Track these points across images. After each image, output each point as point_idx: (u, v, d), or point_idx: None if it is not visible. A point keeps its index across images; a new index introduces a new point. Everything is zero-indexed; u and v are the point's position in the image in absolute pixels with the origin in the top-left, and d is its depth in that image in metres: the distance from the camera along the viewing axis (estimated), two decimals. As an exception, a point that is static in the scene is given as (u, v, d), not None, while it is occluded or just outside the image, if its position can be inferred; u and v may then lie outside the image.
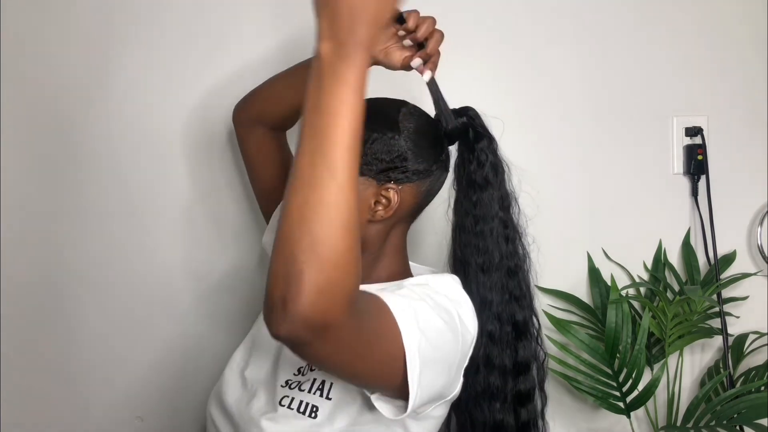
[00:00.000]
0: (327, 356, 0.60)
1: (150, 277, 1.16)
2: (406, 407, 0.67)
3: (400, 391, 0.67)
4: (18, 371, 1.13)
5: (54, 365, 1.14)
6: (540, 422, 0.89)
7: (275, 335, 0.56)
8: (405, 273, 0.85)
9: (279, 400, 0.78)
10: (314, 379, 0.78)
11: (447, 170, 0.85)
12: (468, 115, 0.85)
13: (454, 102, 1.21)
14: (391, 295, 0.69)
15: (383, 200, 0.79)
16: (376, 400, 0.69)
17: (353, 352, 0.61)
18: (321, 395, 0.77)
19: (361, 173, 0.77)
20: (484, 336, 0.83)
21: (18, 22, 1.10)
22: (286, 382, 0.80)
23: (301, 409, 0.76)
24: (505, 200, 0.86)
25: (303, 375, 0.80)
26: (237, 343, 0.95)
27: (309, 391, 0.77)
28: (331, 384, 0.77)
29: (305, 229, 0.55)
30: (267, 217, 1.04)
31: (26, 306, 1.13)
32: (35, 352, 1.13)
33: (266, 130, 0.99)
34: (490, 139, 0.85)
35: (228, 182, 1.17)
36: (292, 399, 0.77)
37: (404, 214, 0.82)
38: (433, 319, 0.70)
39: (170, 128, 1.15)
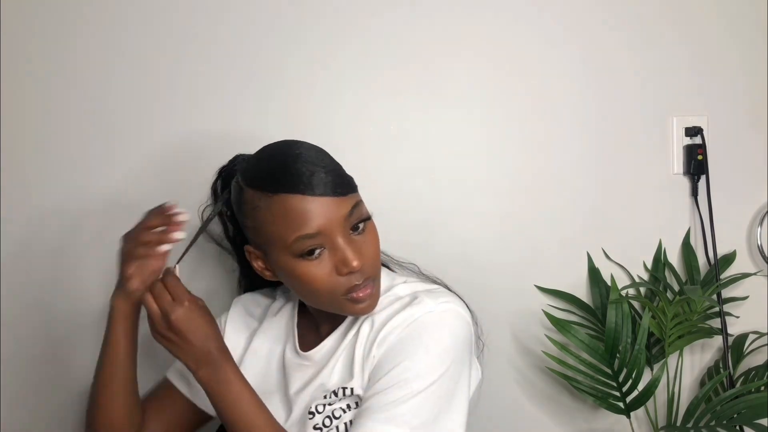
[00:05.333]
0: None
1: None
2: None
3: None
4: (18, 371, 1.13)
5: (54, 365, 1.14)
6: None
7: None
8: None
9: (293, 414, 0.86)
10: (344, 408, 0.83)
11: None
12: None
13: (454, 104, 1.22)
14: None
15: (258, 267, 0.88)
16: None
17: None
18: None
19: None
20: None
21: (18, 22, 1.10)
22: (296, 392, 0.87)
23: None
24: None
25: (330, 397, 0.84)
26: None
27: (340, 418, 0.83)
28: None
29: None
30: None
31: (26, 306, 1.13)
32: (35, 352, 1.13)
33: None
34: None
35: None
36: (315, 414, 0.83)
37: (278, 269, 0.86)
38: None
39: (175, 133, 1.15)
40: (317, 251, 0.78)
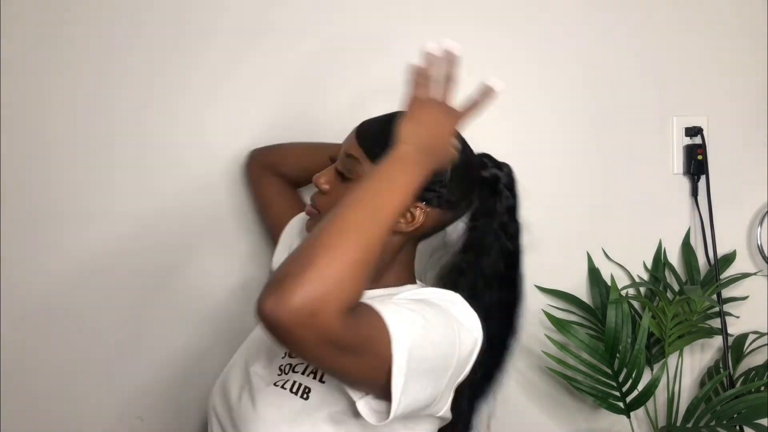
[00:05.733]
0: (307, 348, 0.60)
1: (151, 278, 1.15)
2: (388, 413, 0.66)
3: (383, 394, 0.66)
4: (18, 371, 1.13)
5: (54, 365, 1.14)
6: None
7: (259, 309, 0.58)
8: (410, 282, 0.88)
9: (274, 382, 0.79)
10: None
11: (469, 209, 0.89)
12: (505, 172, 0.90)
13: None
14: (384, 303, 0.69)
15: (408, 215, 0.82)
16: (361, 406, 0.68)
17: (336, 349, 0.61)
18: (314, 377, 0.78)
19: None
20: None
21: (18, 22, 1.09)
22: (281, 367, 0.81)
23: (294, 389, 0.77)
24: (510, 258, 0.89)
25: (295, 357, 0.80)
26: (239, 342, 0.95)
27: (302, 373, 0.78)
28: None
29: (331, 250, 0.61)
30: (275, 239, 1.08)
31: (26, 306, 1.12)
32: (35, 352, 1.13)
33: (277, 179, 1.10)
34: (512, 208, 0.89)
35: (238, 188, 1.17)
36: (286, 380, 0.79)
37: (420, 234, 0.85)
38: (429, 329, 0.70)
39: (179, 134, 1.15)
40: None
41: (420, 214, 0.82)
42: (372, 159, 0.81)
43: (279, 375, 0.81)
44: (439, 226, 0.87)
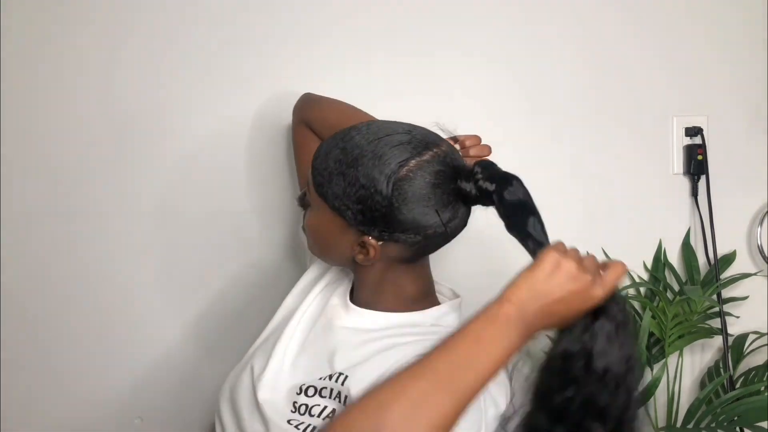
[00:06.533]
0: None
1: (151, 278, 1.16)
2: None
3: None
4: (18, 371, 1.13)
5: (54, 365, 1.14)
6: None
7: None
8: (415, 305, 0.80)
9: (288, 419, 0.76)
10: (325, 407, 0.75)
11: (460, 226, 0.76)
12: (500, 185, 0.71)
13: (454, 105, 1.21)
14: None
15: (361, 249, 0.75)
16: None
17: None
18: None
19: (340, 214, 0.73)
20: None
21: (18, 22, 1.09)
22: (296, 405, 0.77)
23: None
24: None
25: (310, 396, 0.77)
26: (240, 342, 0.95)
27: (318, 416, 0.74)
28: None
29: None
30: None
31: (26, 306, 1.12)
32: (35, 352, 1.13)
33: (311, 134, 1.00)
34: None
35: (242, 181, 1.17)
36: (301, 422, 0.75)
37: (395, 260, 0.76)
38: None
39: (183, 131, 1.15)
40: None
41: (371, 249, 0.73)
42: (314, 183, 0.75)
43: (293, 412, 0.76)
44: (417, 251, 0.75)
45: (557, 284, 0.61)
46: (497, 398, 0.72)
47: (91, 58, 1.12)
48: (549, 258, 0.63)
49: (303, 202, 0.81)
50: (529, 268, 0.62)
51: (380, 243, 0.73)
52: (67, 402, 1.14)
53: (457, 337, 0.59)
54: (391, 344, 0.76)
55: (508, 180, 0.71)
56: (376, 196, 0.70)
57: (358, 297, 0.83)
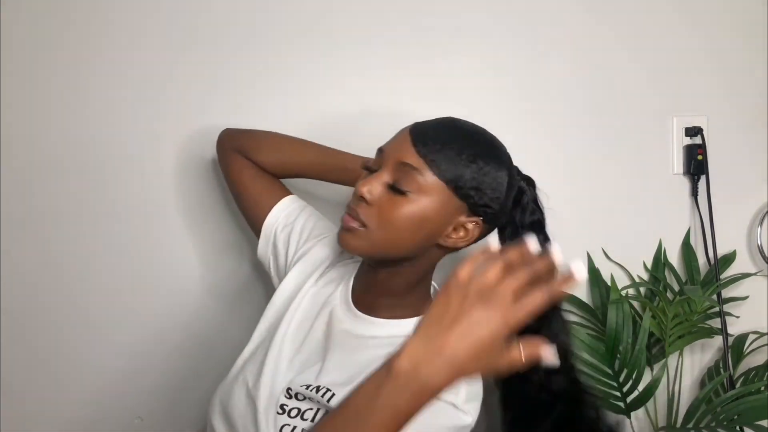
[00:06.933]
0: None
1: (151, 278, 1.15)
2: None
3: None
4: (18, 371, 1.13)
5: (54, 365, 1.14)
6: None
7: None
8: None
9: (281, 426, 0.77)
10: (318, 410, 0.77)
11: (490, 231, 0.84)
12: (530, 185, 0.89)
13: (453, 106, 1.21)
14: None
15: (462, 230, 0.79)
16: None
17: None
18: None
19: (464, 199, 0.77)
20: None
21: (18, 21, 1.09)
22: (288, 392, 0.79)
23: None
24: None
25: (300, 400, 0.79)
26: (238, 343, 0.95)
27: (311, 420, 0.77)
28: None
29: None
30: (255, 230, 1.02)
31: (26, 305, 1.12)
32: (35, 352, 1.13)
33: (248, 162, 1.00)
34: (538, 222, 0.89)
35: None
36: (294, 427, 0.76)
37: (447, 252, 0.83)
38: None
39: (172, 132, 1.15)
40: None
41: (474, 229, 0.79)
42: (432, 168, 0.75)
43: (287, 397, 0.79)
44: (478, 240, 0.83)
45: (456, 336, 0.51)
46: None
47: (91, 58, 1.12)
48: (452, 287, 0.53)
49: (407, 185, 0.76)
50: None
51: (484, 225, 0.80)
52: (67, 402, 1.14)
53: (355, 396, 0.55)
54: None
55: (530, 178, 0.91)
56: (498, 176, 0.79)
57: (372, 303, 0.84)
